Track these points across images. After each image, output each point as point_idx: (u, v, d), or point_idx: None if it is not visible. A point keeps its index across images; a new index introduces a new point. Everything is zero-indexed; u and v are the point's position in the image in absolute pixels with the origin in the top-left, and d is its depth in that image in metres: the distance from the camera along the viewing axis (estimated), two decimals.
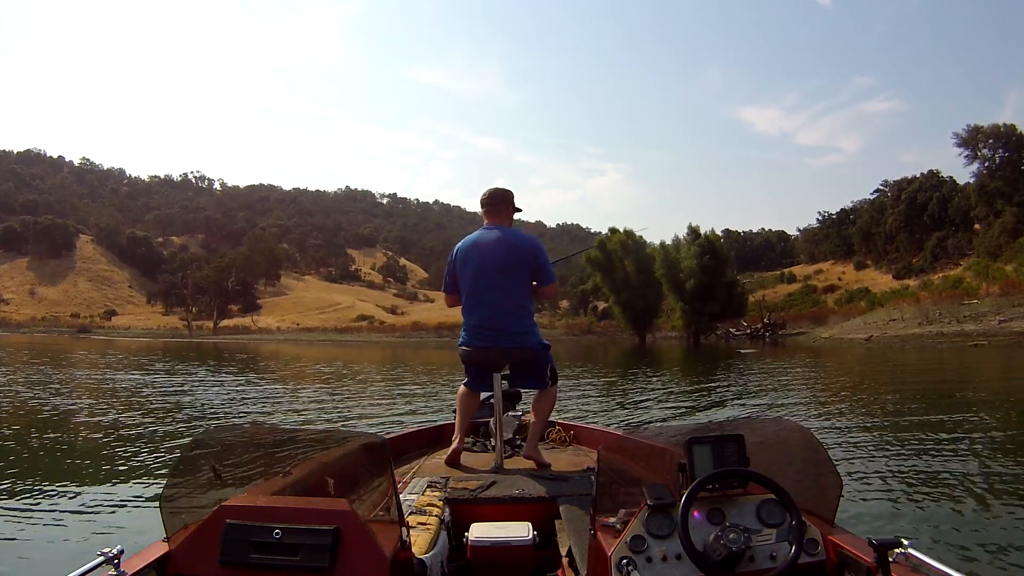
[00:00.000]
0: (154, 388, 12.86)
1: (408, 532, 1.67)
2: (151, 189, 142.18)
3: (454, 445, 3.11)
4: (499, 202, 3.25)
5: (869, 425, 7.69)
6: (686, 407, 10.17)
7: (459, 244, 3.27)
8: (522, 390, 3.58)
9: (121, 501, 4.47)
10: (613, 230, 51.20)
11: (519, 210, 3.33)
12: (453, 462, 3.05)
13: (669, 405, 10.43)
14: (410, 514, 2.13)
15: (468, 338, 3.16)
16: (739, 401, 10.66)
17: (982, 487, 4.64)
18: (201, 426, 7.97)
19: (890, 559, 1.40)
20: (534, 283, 3.21)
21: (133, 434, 7.32)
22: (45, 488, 4.80)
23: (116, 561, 1.39)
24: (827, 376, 16.00)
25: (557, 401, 3.43)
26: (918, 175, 61.03)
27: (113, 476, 5.22)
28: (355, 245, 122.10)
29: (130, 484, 4.95)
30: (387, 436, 3.43)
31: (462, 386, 3.28)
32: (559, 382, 3.39)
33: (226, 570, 1.46)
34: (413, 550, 1.76)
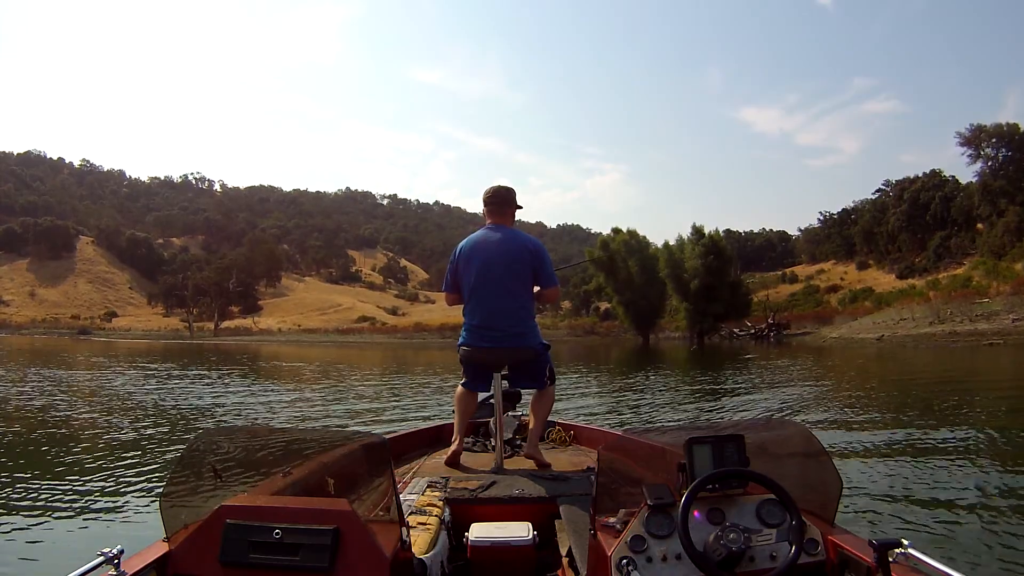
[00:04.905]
0: (155, 389, 12.87)
1: (408, 532, 1.67)
2: (151, 190, 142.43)
3: (453, 447, 3.11)
4: (502, 202, 3.24)
5: (871, 424, 7.67)
6: (688, 408, 10.16)
7: (461, 243, 3.25)
8: (522, 390, 3.58)
9: (121, 501, 4.48)
10: (616, 230, 51.21)
11: (520, 207, 3.32)
12: (453, 463, 3.05)
13: (671, 405, 10.41)
14: (410, 514, 2.13)
15: (469, 338, 3.16)
16: (743, 402, 10.65)
17: (983, 487, 4.62)
18: (201, 426, 7.98)
19: (890, 559, 1.40)
20: (536, 287, 3.21)
21: (133, 434, 7.33)
22: (45, 488, 4.80)
23: (116, 561, 1.39)
24: (842, 377, 15.96)
25: (555, 401, 3.43)
26: (920, 175, 61.10)
27: (113, 476, 5.22)
28: (355, 246, 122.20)
29: (130, 484, 4.94)
30: (387, 436, 3.43)
31: (460, 386, 3.27)
32: (556, 382, 3.38)
33: (226, 570, 1.46)
34: (413, 550, 1.76)
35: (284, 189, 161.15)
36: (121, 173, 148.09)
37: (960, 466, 5.28)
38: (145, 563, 1.46)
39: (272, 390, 13.40)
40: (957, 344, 28.23)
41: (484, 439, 3.57)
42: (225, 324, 75.29)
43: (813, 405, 9.88)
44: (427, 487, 2.53)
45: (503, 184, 3.31)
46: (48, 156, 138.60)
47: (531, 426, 3.23)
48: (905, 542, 1.42)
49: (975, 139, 51.16)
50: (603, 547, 1.54)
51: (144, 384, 13.97)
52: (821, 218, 75.65)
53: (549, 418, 3.45)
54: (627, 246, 48.91)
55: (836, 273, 65.11)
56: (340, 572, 1.43)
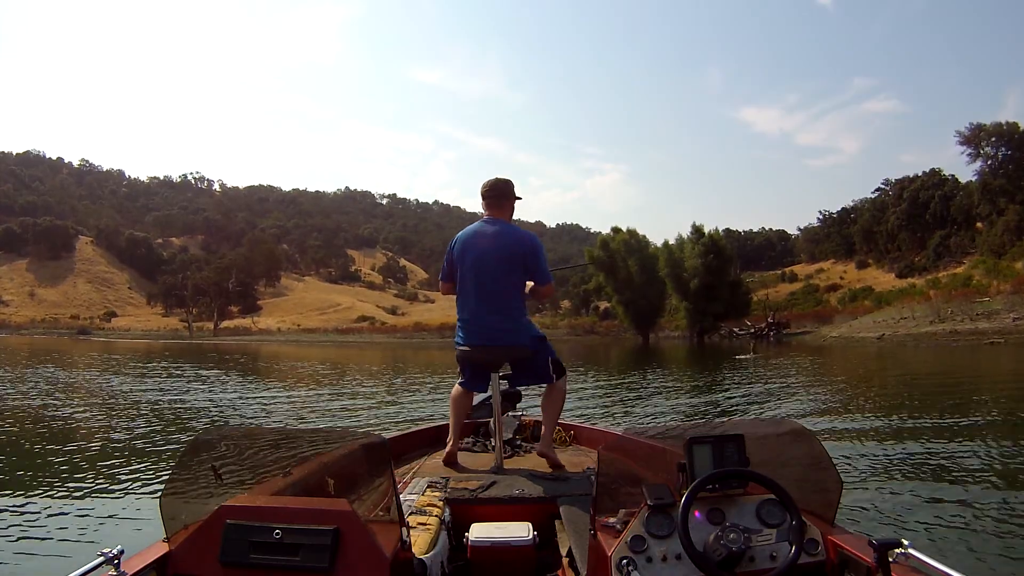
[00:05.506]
0: (154, 389, 12.87)
1: (408, 532, 1.67)
2: (150, 190, 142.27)
3: (449, 447, 3.10)
4: (500, 194, 3.18)
5: (871, 424, 7.67)
6: (688, 407, 10.16)
7: (458, 234, 3.22)
8: (522, 390, 3.56)
9: (121, 501, 4.47)
10: (616, 229, 51.17)
11: (519, 198, 3.26)
12: (450, 463, 3.04)
13: (671, 405, 10.41)
14: (410, 514, 2.13)
15: (464, 336, 3.12)
16: (743, 402, 10.64)
17: (984, 487, 4.63)
18: (200, 426, 7.98)
19: (890, 559, 1.40)
20: (531, 283, 3.16)
21: (133, 434, 7.32)
22: (45, 488, 4.80)
23: (116, 561, 1.39)
24: (841, 375, 15.96)
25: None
26: (920, 174, 61.11)
27: (113, 476, 5.22)
28: (355, 246, 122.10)
29: (130, 484, 4.94)
30: (387, 436, 3.42)
31: (457, 385, 3.24)
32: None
33: (226, 570, 1.46)
34: (413, 550, 1.76)
35: (283, 189, 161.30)
36: (120, 173, 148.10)
37: (961, 465, 5.28)
38: (145, 563, 1.46)
39: (271, 390, 13.40)
40: (958, 343, 28.22)
41: (484, 439, 3.56)
42: (224, 324, 75.25)
43: (812, 404, 9.89)
44: (427, 487, 2.53)
45: (501, 177, 3.24)
46: (47, 156, 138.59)
47: (544, 423, 3.18)
48: (905, 542, 1.42)
49: (975, 138, 51.18)
50: (603, 547, 1.54)
51: (143, 384, 13.97)
52: (821, 217, 75.75)
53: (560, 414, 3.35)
54: (627, 246, 48.94)
55: (836, 272, 65.10)
56: (340, 572, 1.43)
